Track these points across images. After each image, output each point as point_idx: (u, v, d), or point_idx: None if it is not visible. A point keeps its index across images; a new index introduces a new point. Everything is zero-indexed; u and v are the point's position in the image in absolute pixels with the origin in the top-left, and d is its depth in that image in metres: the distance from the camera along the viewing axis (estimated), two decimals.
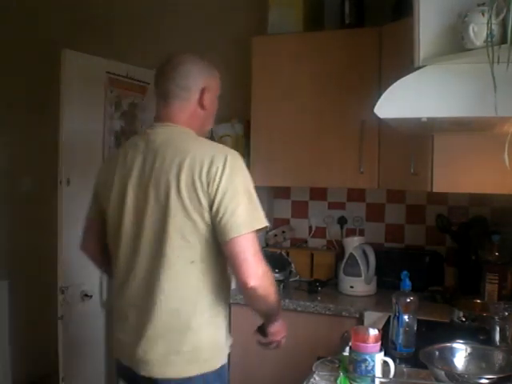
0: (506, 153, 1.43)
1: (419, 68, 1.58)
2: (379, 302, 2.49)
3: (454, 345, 1.56)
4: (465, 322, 1.90)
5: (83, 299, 2.81)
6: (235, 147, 2.82)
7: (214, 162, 1.48)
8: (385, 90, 1.57)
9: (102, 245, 1.75)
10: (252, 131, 2.77)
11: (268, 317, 1.67)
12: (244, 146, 2.85)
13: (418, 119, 1.59)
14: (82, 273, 2.81)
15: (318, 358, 1.63)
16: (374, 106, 1.57)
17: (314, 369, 1.55)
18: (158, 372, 1.52)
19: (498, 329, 1.68)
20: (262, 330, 1.71)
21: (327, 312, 2.41)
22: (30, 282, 3.55)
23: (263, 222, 1.53)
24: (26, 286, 3.53)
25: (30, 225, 3.60)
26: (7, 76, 3.43)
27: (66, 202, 2.70)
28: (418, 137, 2.20)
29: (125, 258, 1.60)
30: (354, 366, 1.41)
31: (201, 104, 1.64)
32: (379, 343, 1.42)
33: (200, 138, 1.63)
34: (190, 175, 1.48)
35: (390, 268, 2.51)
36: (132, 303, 1.59)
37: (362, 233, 2.93)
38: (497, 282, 2.25)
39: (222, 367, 1.59)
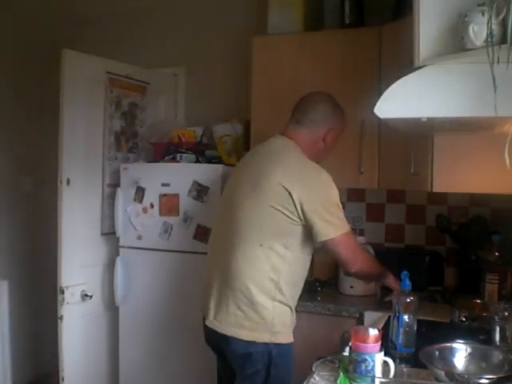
0: (506, 153, 1.43)
1: (419, 68, 1.57)
2: (379, 302, 2.49)
3: (454, 345, 1.56)
4: (465, 321, 1.90)
5: (83, 299, 2.81)
6: (235, 147, 2.83)
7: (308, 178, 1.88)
8: (385, 90, 1.57)
9: None
10: (252, 131, 2.77)
11: (379, 281, 2.14)
12: (244, 146, 2.85)
13: (418, 119, 1.59)
14: (81, 273, 2.81)
15: (318, 358, 1.63)
16: (373, 106, 1.57)
17: (313, 369, 1.55)
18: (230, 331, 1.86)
19: (497, 329, 1.67)
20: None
21: (327, 312, 2.41)
22: (30, 282, 3.55)
23: (347, 228, 1.91)
24: (26, 286, 3.54)
25: (30, 225, 3.60)
26: (7, 76, 3.43)
27: (65, 201, 2.71)
28: (418, 137, 2.20)
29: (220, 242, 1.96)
30: (354, 366, 1.41)
31: (324, 140, 2.01)
32: (379, 343, 1.42)
33: (301, 152, 1.96)
34: (286, 182, 1.84)
35: (390, 268, 2.49)
36: None
37: (362, 233, 2.93)
38: (497, 282, 2.25)
39: (286, 345, 1.93)
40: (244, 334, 1.85)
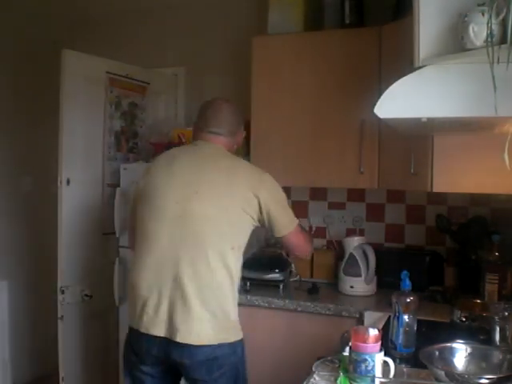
0: (506, 153, 1.43)
1: (419, 68, 1.57)
2: (379, 302, 2.49)
3: (454, 345, 1.56)
4: (465, 321, 1.90)
5: (83, 299, 2.81)
6: None
7: (261, 182, 1.96)
8: (385, 90, 1.57)
9: None
10: (252, 131, 2.77)
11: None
12: (244, 146, 2.85)
13: (418, 119, 1.59)
14: (81, 273, 2.81)
15: (318, 358, 1.63)
16: (373, 106, 1.57)
17: (314, 369, 1.55)
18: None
19: (497, 329, 1.67)
20: None
21: (327, 312, 2.41)
22: (29, 282, 3.56)
23: (296, 220, 2.08)
24: (26, 286, 3.54)
25: (30, 225, 3.60)
26: (7, 76, 3.43)
27: (65, 202, 2.71)
28: (418, 137, 2.20)
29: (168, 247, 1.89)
30: (354, 366, 1.41)
31: (237, 142, 2.14)
32: (379, 343, 1.42)
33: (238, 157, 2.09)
34: (244, 188, 1.91)
35: (390, 268, 2.50)
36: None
37: (362, 233, 2.93)
38: (497, 282, 2.25)
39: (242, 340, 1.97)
40: (211, 339, 1.84)
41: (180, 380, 2.04)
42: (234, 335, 1.92)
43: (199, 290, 1.83)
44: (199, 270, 1.84)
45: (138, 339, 1.90)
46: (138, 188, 2.03)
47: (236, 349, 1.91)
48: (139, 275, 1.90)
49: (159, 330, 1.84)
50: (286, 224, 2.01)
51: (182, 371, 1.92)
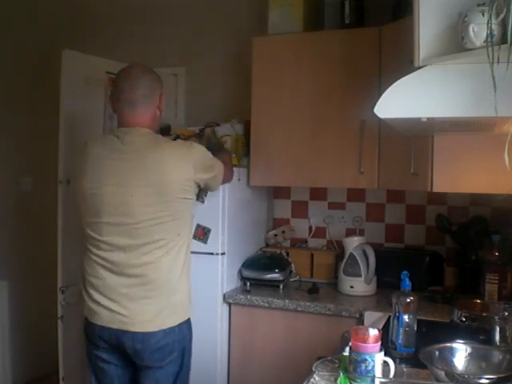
0: (506, 153, 1.43)
1: (419, 68, 1.57)
2: (379, 301, 2.50)
3: (454, 345, 1.56)
4: (465, 321, 1.90)
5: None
6: (235, 147, 2.83)
7: (188, 163, 1.96)
8: (385, 90, 1.57)
9: None
10: (252, 131, 2.77)
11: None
12: (244, 146, 2.85)
13: (418, 119, 1.59)
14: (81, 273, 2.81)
15: (318, 358, 1.63)
16: (373, 106, 1.57)
17: (313, 369, 1.55)
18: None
19: (497, 329, 1.67)
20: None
21: (327, 312, 2.41)
22: (29, 282, 3.55)
23: (221, 164, 2.20)
24: (26, 286, 3.54)
25: (30, 225, 3.60)
26: (7, 76, 3.43)
27: (65, 201, 2.71)
28: (418, 137, 2.20)
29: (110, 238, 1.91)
30: (354, 366, 1.41)
31: (159, 108, 2.04)
32: (379, 343, 1.42)
33: (165, 139, 2.09)
34: (178, 171, 1.92)
35: (390, 268, 2.51)
36: None
37: (362, 233, 2.93)
38: (497, 282, 2.25)
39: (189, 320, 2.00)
40: (163, 323, 1.89)
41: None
42: (180, 316, 1.95)
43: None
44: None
45: (89, 326, 1.95)
46: (75, 187, 2.06)
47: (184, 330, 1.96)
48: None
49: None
50: (217, 177, 2.16)
51: (134, 359, 1.92)
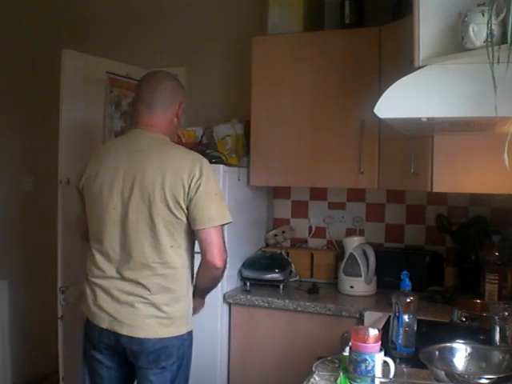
0: (506, 153, 1.43)
1: (419, 68, 1.58)
2: (379, 301, 2.50)
3: (454, 345, 1.56)
4: (465, 321, 1.90)
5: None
6: (235, 147, 2.83)
7: (193, 169, 1.83)
8: (385, 90, 1.57)
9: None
10: (252, 131, 2.77)
11: (203, 295, 2.07)
12: (244, 146, 2.85)
13: (418, 119, 1.59)
14: (82, 273, 2.81)
15: (318, 358, 1.63)
16: (373, 106, 1.57)
17: (313, 369, 1.55)
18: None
19: (497, 329, 1.67)
20: None
21: (327, 312, 2.42)
22: (30, 282, 3.55)
23: (229, 219, 1.90)
24: (26, 286, 3.54)
25: (31, 224, 3.60)
26: (7, 76, 3.43)
27: (66, 201, 2.70)
28: (417, 137, 2.21)
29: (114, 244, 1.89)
30: (354, 366, 1.41)
31: (177, 115, 2.01)
32: (379, 343, 1.42)
33: (175, 144, 2.01)
34: (173, 178, 1.81)
35: (390, 268, 2.51)
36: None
37: (362, 233, 2.93)
38: (497, 282, 2.25)
39: (191, 332, 1.96)
40: (164, 332, 1.86)
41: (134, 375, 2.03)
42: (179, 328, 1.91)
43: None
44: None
45: (89, 326, 1.95)
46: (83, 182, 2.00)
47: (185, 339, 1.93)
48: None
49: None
50: (212, 216, 1.84)
51: (132, 360, 1.91)
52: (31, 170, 3.61)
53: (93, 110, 2.85)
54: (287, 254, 2.86)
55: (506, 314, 1.68)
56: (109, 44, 3.30)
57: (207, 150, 2.77)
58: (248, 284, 2.69)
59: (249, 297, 2.56)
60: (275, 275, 2.68)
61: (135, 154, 1.89)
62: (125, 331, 1.84)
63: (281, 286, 2.68)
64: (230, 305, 2.62)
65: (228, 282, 2.62)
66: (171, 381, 1.91)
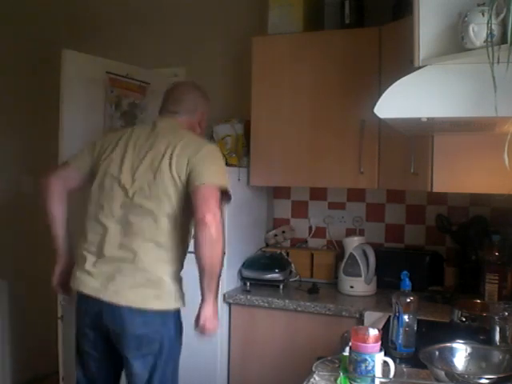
0: (506, 153, 1.43)
1: (419, 68, 1.58)
2: (379, 301, 2.50)
3: (454, 345, 1.56)
4: (465, 321, 1.90)
5: None
6: (235, 147, 2.83)
7: (200, 146, 1.95)
8: (385, 90, 1.57)
9: (65, 197, 2.13)
10: (252, 131, 2.77)
11: (208, 282, 1.87)
12: (244, 146, 2.85)
13: (418, 119, 1.59)
14: None
15: (318, 358, 1.63)
16: (373, 106, 1.57)
17: (313, 369, 1.55)
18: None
19: (497, 329, 1.67)
20: (197, 316, 1.91)
21: (327, 312, 2.42)
22: (30, 282, 3.55)
23: (227, 185, 1.94)
24: (26, 286, 3.53)
25: (31, 225, 3.60)
26: (7, 76, 3.43)
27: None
28: (417, 137, 2.21)
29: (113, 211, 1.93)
30: (354, 365, 1.41)
31: (199, 124, 2.17)
32: (379, 343, 1.42)
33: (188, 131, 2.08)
34: (181, 150, 1.91)
35: (390, 268, 2.51)
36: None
37: (362, 233, 2.93)
38: (497, 282, 2.25)
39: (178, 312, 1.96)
40: (149, 303, 1.87)
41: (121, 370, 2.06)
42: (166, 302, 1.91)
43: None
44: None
45: (78, 302, 2.04)
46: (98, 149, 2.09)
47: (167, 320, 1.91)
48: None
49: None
50: (210, 175, 1.89)
51: (115, 343, 1.93)
52: (31, 169, 3.61)
53: (93, 109, 2.85)
54: (287, 253, 2.86)
55: (506, 313, 1.68)
56: (109, 44, 3.30)
57: None
58: (248, 284, 2.69)
59: (249, 297, 2.57)
60: (275, 275, 2.68)
61: (154, 132, 2.01)
62: (113, 299, 1.85)
63: (281, 286, 2.68)
64: (230, 305, 2.62)
65: (228, 282, 2.63)
66: (152, 369, 1.91)
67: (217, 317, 1.92)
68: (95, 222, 1.98)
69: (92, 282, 1.92)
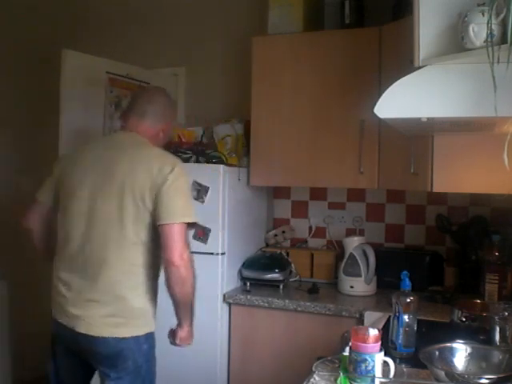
0: (506, 153, 1.43)
1: (419, 68, 1.57)
2: (379, 301, 2.50)
3: (454, 345, 1.56)
4: (465, 321, 1.90)
5: None
6: (235, 147, 2.83)
7: (164, 165, 1.85)
8: (385, 90, 1.57)
9: (48, 228, 2.13)
10: (252, 131, 2.77)
11: (182, 312, 1.90)
12: (244, 146, 2.85)
13: (418, 119, 1.59)
14: None
15: (318, 358, 1.63)
16: (373, 106, 1.57)
17: (313, 369, 1.55)
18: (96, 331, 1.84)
19: (497, 329, 1.67)
20: (173, 333, 1.97)
21: (327, 312, 2.42)
22: (29, 282, 3.55)
23: (193, 218, 1.87)
24: (26, 286, 3.53)
25: None
26: (7, 76, 3.43)
27: None
28: (417, 137, 2.20)
29: (77, 239, 1.90)
30: (354, 366, 1.41)
31: (163, 131, 2.07)
32: (379, 343, 1.42)
33: (155, 147, 1.99)
34: (143, 170, 1.83)
35: (390, 268, 2.51)
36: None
37: (362, 233, 2.93)
38: (497, 282, 2.25)
39: (151, 333, 1.92)
40: (120, 332, 1.84)
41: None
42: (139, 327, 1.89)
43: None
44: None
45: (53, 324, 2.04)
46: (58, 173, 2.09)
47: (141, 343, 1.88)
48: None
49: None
50: (176, 212, 1.81)
51: (92, 363, 1.93)
52: (31, 170, 3.61)
53: (93, 109, 2.85)
54: (287, 253, 2.86)
55: (506, 313, 1.68)
56: (109, 44, 3.30)
57: (207, 150, 2.77)
58: (248, 284, 2.69)
59: (249, 297, 2.57)
60: (275, 275, 2.68)
61: (113, 150, 1.94)
62: (82, 329, 1.84)
63: (281, 286, 2.68)
64: (229, 305, 2.62)
65: (228, 282, 2.63)
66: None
67: (192, 336, 1.97)
68: (62, 248, 1.99)
69: (66, 309, 1.93)
